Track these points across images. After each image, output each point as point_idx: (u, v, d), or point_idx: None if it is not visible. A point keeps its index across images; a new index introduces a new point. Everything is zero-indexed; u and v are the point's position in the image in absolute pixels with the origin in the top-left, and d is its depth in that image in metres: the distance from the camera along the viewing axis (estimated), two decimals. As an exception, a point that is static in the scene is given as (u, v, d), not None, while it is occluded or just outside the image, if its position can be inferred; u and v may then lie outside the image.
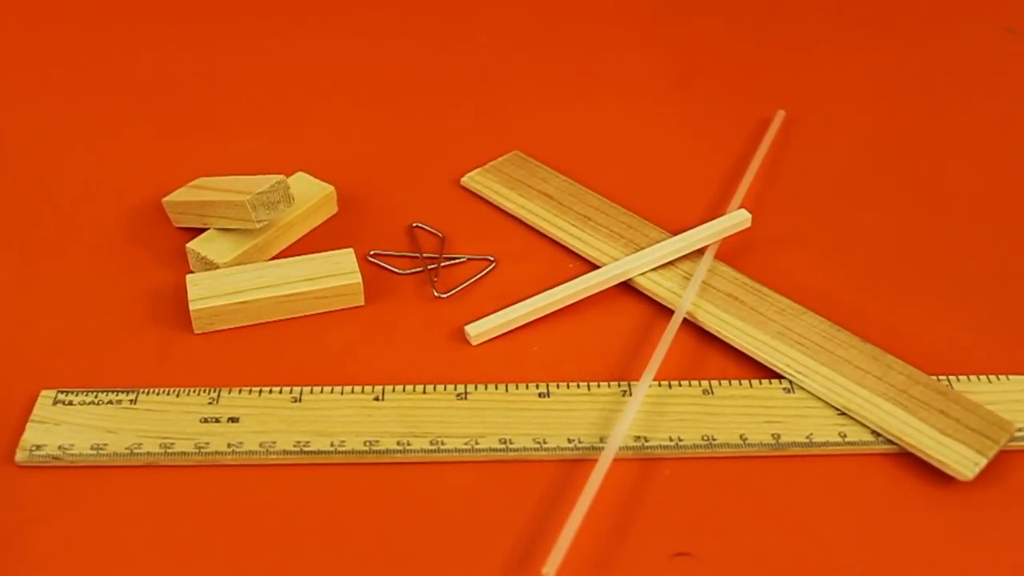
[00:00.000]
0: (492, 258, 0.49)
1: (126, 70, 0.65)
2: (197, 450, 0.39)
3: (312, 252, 0.48)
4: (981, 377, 0.43)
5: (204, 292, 0.45)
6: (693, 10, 0.73)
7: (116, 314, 0.46)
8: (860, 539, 0.38)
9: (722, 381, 0.43)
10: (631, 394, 0.42)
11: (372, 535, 0.37)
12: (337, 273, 0.46)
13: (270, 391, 0.42)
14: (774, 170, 0.56)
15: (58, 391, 0.41)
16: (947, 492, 0.39)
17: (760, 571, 0.36)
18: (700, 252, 0.49)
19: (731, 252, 0.49)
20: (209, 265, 0.47)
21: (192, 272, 0.48)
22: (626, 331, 0.46)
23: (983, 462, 0.39)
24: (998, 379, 0.43)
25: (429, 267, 0.48)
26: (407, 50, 0.67)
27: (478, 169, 0.55)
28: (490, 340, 0.45)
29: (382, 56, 0.66)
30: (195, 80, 0.64)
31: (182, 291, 0.46)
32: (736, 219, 0.49)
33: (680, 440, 0.40)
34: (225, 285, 0.45)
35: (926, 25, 0.71)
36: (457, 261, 0.49)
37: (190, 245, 0.48)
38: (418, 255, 0.49)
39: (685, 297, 0.46)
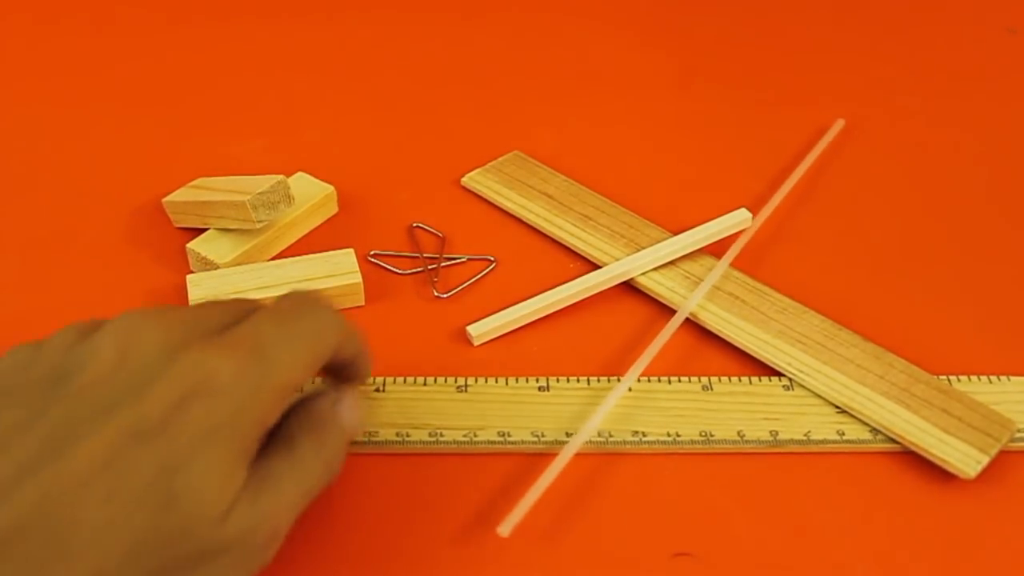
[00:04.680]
0: (492, 258, 0.51)
1: (126, 70, 0.66)
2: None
3: (312, 252, 0.49)
4: (982, 378, 0.44)
5: (204, 292, 0.46)
6: (693, 10, 0.74)
7: (116, 314, 0.48)
8: (860, 537, 0.39)
9: (721, 378, 0.44)
10: (630, 389, 0.44)
11: (370, 525, 0.39)
12: (337, 273, 0.48)
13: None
14: (774, 170, 0.58)
15: (59, 387, 0.43)
16: (946, 491, 0.40)
17: (758, 570, 0.38)
18: (702, 252, 0.50)
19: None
20: (209, 265, 0.49)
21: (192, 272, 0.49)
22: (627, 331, 0.47)
23: (985, 460, 0.40)
24: (999, 380, 0.44)
25: (429, 267, 0.50)
26: (407, 50, 0.69)
27: (478, 169, 0.56)
28: (491, 340, 0.46)
29: (382, 56, 0.68)
30: (195, 80, 0.65)
31: (182, 291, 0.47)
32: (737, 219, 0.51)
33: (678, 435, 0.42)
34: (225, 285, 0.47)
35: (925, 25, 0.73)
36: (457, 261, 0.51)
37: (190, 245, 0.49)
38: (418, 255, 0.51)
39: (691, 299, 0.47)
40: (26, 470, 0.28)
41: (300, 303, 0.35)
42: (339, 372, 0.37)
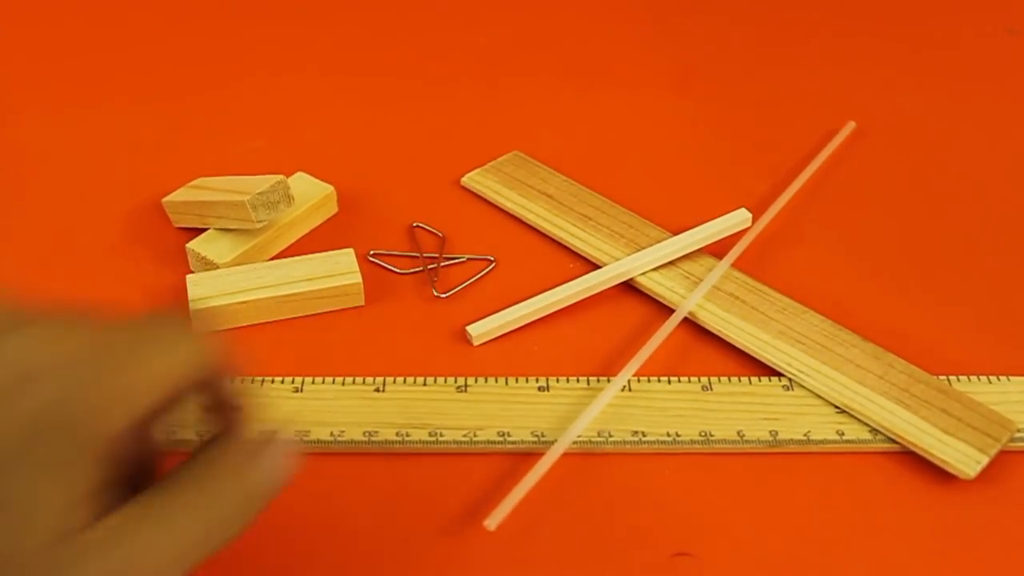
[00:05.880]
0: (492, 258, 0.51)
1: (126, 70, 0.67)
2: (198, 438, 0.41)
3: (312, 252, 0.49)
4: (981, 378, 0.45)
5: (204, 292, 0.47)
6: (692, 9, 0.75)
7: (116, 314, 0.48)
8: (860, 537, 0.39)
9: (721, 378, 0.45)
10: (630, 389, 0.44)
11: (370, 525, 0.39)
12: (337, 273, 0.48)
13: (272, 381, 0.44)
14: (775, 169, 0.58)
15: (59, 387, 0.44)
16: (946, 491, 0.40)
17: (758, 570, 0.38)
18: (702, 252, 0.51)
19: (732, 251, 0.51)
20: (209, 265, 0.49)
21: (192, 272, 0.49)
22: (627, 330, 0.47)
23: (985, 460, 0.40)
24: (999, 380, 0.45)
25: (429, 267, 0.51)
26: (407, 50, 0.69)
27: (478, 169, 0.57)
28: (491, 340, 0.47)
29: (382, 56, 0.69)
30: (195, 80, 0.66)
31: (182, 291, 0.47)
32: (737, 219, 0.51)
33: (678, 435, 0.42)
34: (225, 285, 0.47)
35: (925, 26, 0.73)
36: (457, 261, 0.51)
37: (190, 245, 0.50)
38: (418, 255, 0.51)
39: (690, 299, 0.47)
40: None
41: (157, 316, 0.29)
42: (217, 409, 0.31)
